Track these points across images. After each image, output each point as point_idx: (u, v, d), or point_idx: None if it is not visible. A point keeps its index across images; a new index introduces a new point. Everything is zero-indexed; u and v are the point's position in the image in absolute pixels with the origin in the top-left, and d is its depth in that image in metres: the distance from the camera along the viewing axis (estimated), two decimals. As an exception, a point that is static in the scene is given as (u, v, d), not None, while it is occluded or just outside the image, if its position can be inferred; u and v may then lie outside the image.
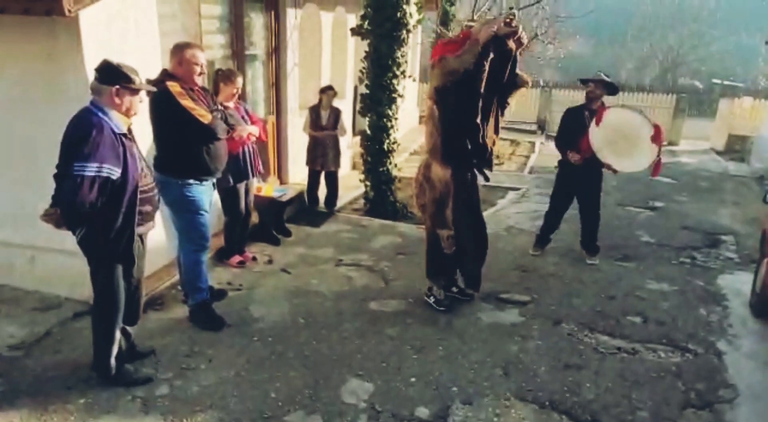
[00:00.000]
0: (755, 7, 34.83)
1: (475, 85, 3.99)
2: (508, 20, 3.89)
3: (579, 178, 5.58)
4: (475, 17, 8.15)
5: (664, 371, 3.87)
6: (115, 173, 2.92)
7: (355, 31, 6.95)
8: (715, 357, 4.09)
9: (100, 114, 2.94)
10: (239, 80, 4.71)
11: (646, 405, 3.49)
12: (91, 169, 2.83)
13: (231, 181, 4.79)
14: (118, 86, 2.96)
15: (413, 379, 3.65)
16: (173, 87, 3.62)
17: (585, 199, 5.74)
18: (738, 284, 5.38)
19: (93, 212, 2.92)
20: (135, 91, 3.06)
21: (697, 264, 5.94)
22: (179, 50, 3.73)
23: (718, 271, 5.75)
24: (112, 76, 2.97)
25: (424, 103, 15.06)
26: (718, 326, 4.57)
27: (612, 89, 5.54)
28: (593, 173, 5.55)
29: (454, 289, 4.72)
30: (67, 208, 2.93)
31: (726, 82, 25.17)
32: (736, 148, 13.70)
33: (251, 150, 4.94)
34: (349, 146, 8.94)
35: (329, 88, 6.72)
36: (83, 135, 2.85)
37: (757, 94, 18.27)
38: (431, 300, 4.63)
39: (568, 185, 5.72)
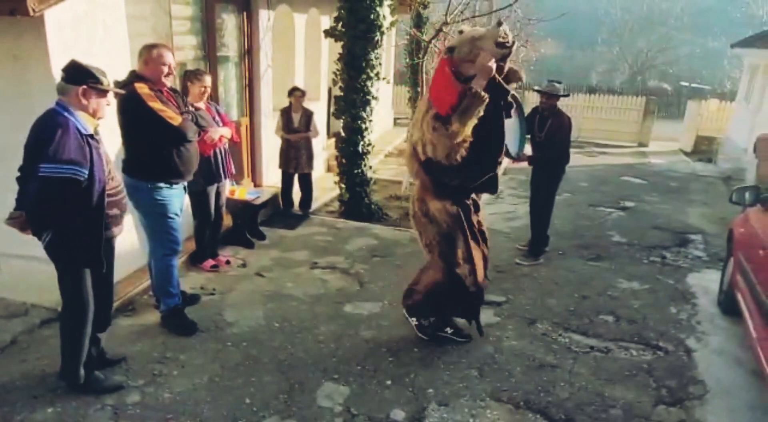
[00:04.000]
0: (720, 11, 35.74)
1: (493, 121, 3.55)
2: (501, 40, 3.37)
3: (533, 174, 5.89)
4: (448, 19, 8.17)
5: (636, 369, 3.93)
6: (82, 174, 2.85)
7: (328, 33, 6.92)
8: (685, 355, 4.17)
9: (66, 114, 2.87)
10: (207, 78, 4.62)
11: (619, 402, 3.53)
12: (57, 170, 2.76)
13: (202, 183, 4.72)
14: (85, 86, 2.90)
15: (389, 382, 3.64)
16: (141, 88, 3.55)
17: (532, 196, 5.98)
18: (706, 282, 5.50)
19: (59, 215, 2.86)
20: (102, 93, 3.00)
21: (667, 263, 6.05)
22: (146, 50, 3.67)
23: (688, 270, 5.86)
24: (79, 75, 2.91)
25: (397, 106, 15.10)
26: (687, 323, 4.66)
27: (559, 96, 5.66)
28: (538, 171, 5.79)
29: (449, 330, 4.19)
30: (33, 210, 2.86)
31: (693, 85, 25.77)
32: (704, 149, 13.99)
33: (223, 152, 4.87)
34: (324, 148, 8.90)
35: (295, 89, 6.67)
36: (49, 135, 2.77)
37: (723, 96, 18.71)
38: (421, 331, 4.17)
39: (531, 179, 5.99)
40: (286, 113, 6.64)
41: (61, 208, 2.84)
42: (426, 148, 3.67)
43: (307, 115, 6.69)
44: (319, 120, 7.26)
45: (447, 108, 3.45)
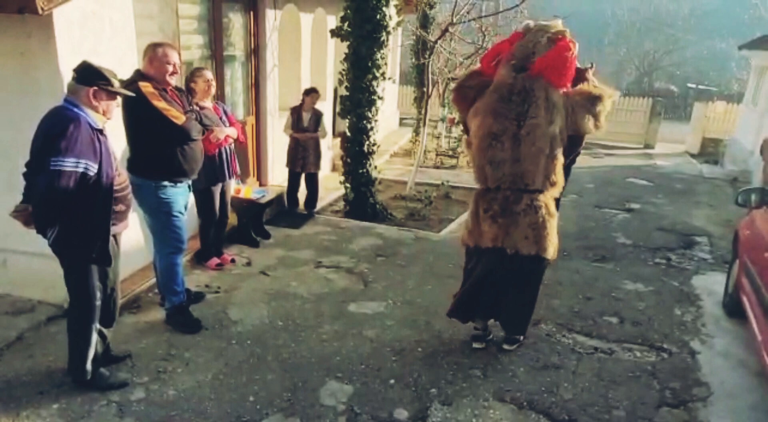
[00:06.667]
0: (728, 13, 35.57)
1: None
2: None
3: None
4: (454, 20, 8.15)
5: (640, 370, 3.92)
6: (92, 169, 2.87)
7: (334, 33, 6.94)
8: (689, 357, 4.16)
9: (76, 109, 2.90)
10: (206, 73, 4.61)
11: (622, 404, 3.53)
12: (68, 164, 2.78)
13: (206, 182, 4.73)
14: (96, 87, 2.92)
15: (392, 381, 3.64)
16: (145, 87, 3.56)
17: None
18: (711, 284, 5.48)
19: (67, 210, 2.88)
20: (113, 95, 3.02)
21: (672, 264, 6.04)
22: (151, 49, 3.68)
23: (693, 272, 5.85)
24: (90, 76, 2.93)
25: (402, 106, 15.09)
26: (692, 326, 4.64)
27: None
28: None
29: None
30: (42, 204, 2.87)
31: (700, 87, 25.66)
32: (710, 150, 13.94)
33: (228, 151, 4.89)
34: (330, 148, 8.92)
35: (314, 90, 6.69)
36: (61, 130, 2.79)
37: (730, 98, 18.62)
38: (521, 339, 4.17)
39: None
40: (296, 112, 6.65)
41: (70, 202, 2.85)
42: (564, 135, 3.66)
43: (317, 116, 6.71)
44: (325, 120, 7.27)
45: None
